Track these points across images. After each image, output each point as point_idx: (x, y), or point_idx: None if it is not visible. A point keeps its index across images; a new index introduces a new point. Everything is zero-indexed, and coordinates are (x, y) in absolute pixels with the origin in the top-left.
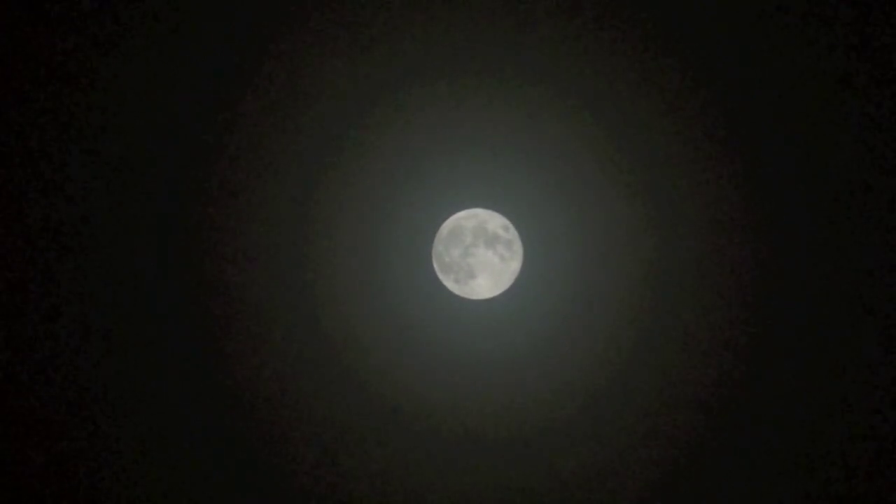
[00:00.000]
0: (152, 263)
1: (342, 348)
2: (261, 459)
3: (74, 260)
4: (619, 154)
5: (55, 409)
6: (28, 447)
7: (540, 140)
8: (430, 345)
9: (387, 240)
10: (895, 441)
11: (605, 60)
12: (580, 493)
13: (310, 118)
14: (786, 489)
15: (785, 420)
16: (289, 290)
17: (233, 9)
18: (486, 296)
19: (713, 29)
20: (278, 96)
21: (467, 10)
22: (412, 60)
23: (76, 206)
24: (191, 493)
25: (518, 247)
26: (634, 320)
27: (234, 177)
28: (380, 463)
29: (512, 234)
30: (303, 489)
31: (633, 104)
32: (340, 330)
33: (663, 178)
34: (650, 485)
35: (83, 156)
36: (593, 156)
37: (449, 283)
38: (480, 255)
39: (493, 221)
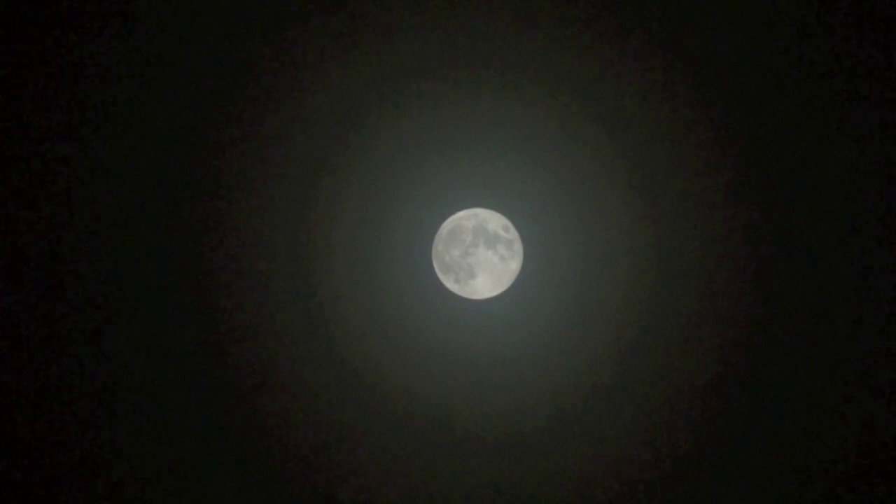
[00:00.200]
0: (152, 263)
1: (342, 348)
2: (260, 459)
3: (74, 260)
4: (619, 154)
5: (55, 409)
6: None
7: (540, 140)
8: (430, 344)
9: (387, 240)
10: (895, 441)
11: (606, 61)
12: (580, 493)
13: (310, 118)
14: (785, 489)
15: (785, 420)
16: (289, 290)
17: (233, 9)
18: (486, 296)
19: (714, 29)
20: (278, 96)
21: (468, 10)
22: (412, 60)
23: (76, 206)
24: (191, 494)
25: (518, 247)
26: (634, 320)
27: (234, 177)
28: (379, 462)
29: (512, 234)
30: (301, 488)
31: (633, 105)
32: (341, 329)
33: (663, 179)
34: (650, 484)
35: (83, 155)
36: (593, 156)
37: (449, 283)
38: (480, 255)
39: (494, 221)
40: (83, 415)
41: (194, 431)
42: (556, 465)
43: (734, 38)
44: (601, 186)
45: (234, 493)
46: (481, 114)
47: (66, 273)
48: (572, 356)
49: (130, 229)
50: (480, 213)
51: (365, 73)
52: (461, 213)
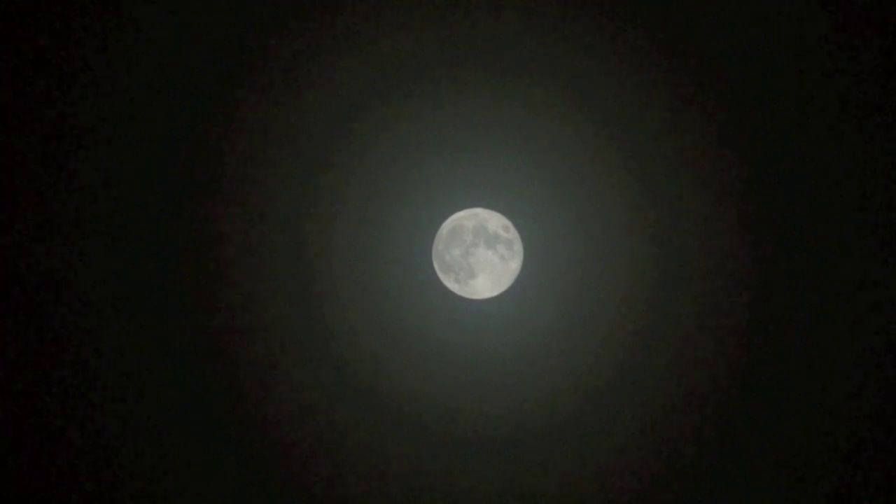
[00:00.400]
0: (152, 263)
1: (342, 347)
2: (259, 459)
3: (73, 261)
4: (619, 154)
5: (53, 409)
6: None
7: (540, 140)
8: (431, 344)
9: (387, 240)
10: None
11: (607, 61)
12: (580, 493)
13: (310, 118)
14: (785, 489)
15: (785, 420)
16: (289, 290)
17: (233, 9)
18: (486, 295)
19: (715, 29)
20: (278, 96)
21: (468, 10)
22: (412, 60)
23: (75, 206)
24: (190, 494)
25: (518, 247)
26: (634, 320)
27: (234, 177)
28: (378, 462)
29: (512, 233)
30: (300, 488)
31: (634, 105)
32: (341, 329)
33: (664, 179)
34: (650, 484)
35: (83, 154)
36: (594, 156)
37: (449, 283)
38: (481, 255)
39: (494, 221)
40: (81, 414)
41: (194, 431)
42: (555, 465)
43: (734, 37)
44: (601, 186)
45: (233, 494)
46: (481, 114)
47: (65, 272)
48: (572, 356)
49: (130, 229)
50: (480, 213)
51: (365, 72)
52: (461, 213)
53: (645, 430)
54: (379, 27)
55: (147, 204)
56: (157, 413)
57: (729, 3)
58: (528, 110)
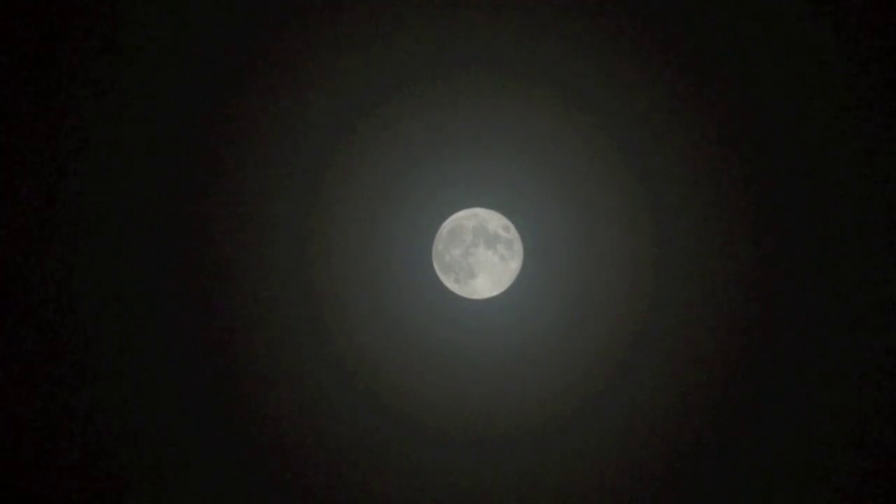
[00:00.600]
0: (152, 263)
1: (342, 347)
2: (258, 459)
3: (72, 261)
4: (619, 154)
5: (52, 408)
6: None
7: (540, 140)
8: (431, 344)
9: (387, 240)
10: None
11: (607, 60)
12: (580, 493)
13: (310, 118)
14: (786, 490)
15: (785, 421)
16: (289, 290)
17: (233, 9)
18: (486, 295)
19: (715, 29)
20: (278, 96)
21: (468, 10)
22: (412, 60)
23: (74, 205)
24: (190, 494)
25: (518, 247)
26: (634, 320)
27: (234, 177)
28: (378, 461)
29: (512, 233)
30: (299, 489)
31: (634, 105)
32: (340, 329)
33: (664, 179)
34: (650, 485)
35: (83, 154)
36: (594, 156)
37: (449, 283)
38: (480, 255)
39: (494, 221)
40: (78, 413)
41: (192, 431)
42: (555, 465)
43: (735, 37)
44: (601, 187)
45: (233, 494)
46: (481, 114)
47: (64, 272)
48: (572, 356)
49: (129, 229)
50: (480, 213)
51: (365, 72)
52: (461, 213)
53: (645, 430)
54: (379, 27)
55: (146, 204)
56: (156, 414)
57: (730, 3)
58: (529, 110)
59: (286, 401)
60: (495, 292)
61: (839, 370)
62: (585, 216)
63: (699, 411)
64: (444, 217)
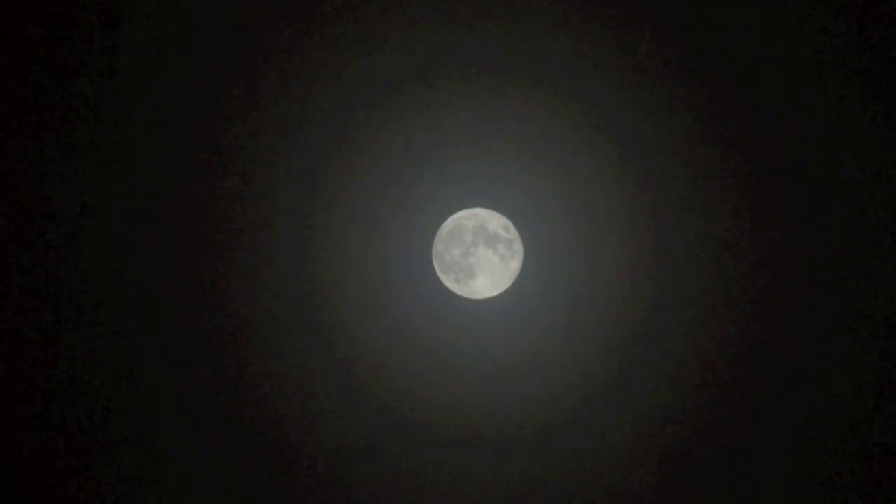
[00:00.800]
0: (148, 266)
1: (341, 347)
2: (256, 460)
3: (71, 261)
4: (619, 154)
5: (50, 407)
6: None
7: (540, 140)
8: (430, 344)
9: (387, 240)
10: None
11: (607, 59)
12: (580, 494)
13: (309, 118)
14: (786, 491)
15: (787, 422)
16: (288, 290)
17: (232, 8)
18: (487, 295)
19: (716, 29)
20: (277, 96)
21: (468, 9)
22: (412, 60)
23: (73, 204)
24: (189, 494)
25: (518, 246)
26: (635, 320)
27: (233, 176)
28: (376, 463)
29: (512, 233)
30: (298, 490)
31: (634, 104)
32: (340, 329)
33: (665, 178)
34: (650, 486)
35: (82, 154)
36: (594, 155)
37: (449, 283)
38: (481, 255)
39: (494, 221)
40: (78, 413)
41: (192, 432)
42: (555, 465)
43: (736, 37)
44: (602, 186)
45: (232, 494)
46: (481, 114)
47: (62, 271)
48: (572, 356)
49: (128, 229)
50: (480, 213)
51: (365, 72)
52: (461, 213)
53: (646, 430)
54: (379, 27)
55: (145, 205)
56: (155, 414)
57: (730, 3)
58: (529, 110)
59: (285, 401)
60: (495, 292)
61: (840, 370)
62: (585, 216)
63: (700, 411)
64: (444, 217)
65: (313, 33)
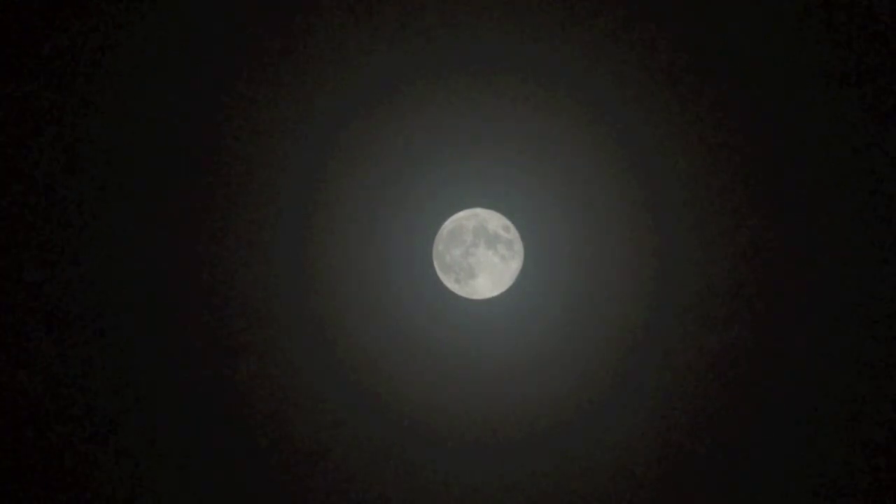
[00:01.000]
0: (149, 264)
1: (341, 347)
2: (255, 460)
3: (70, 261)
4: (620, 154)
5: (49, 406)
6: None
7: (541, 140)
8: (430, 344)
9: (387, 240)
10: None
11: (607, 59)
12: (580, 494)
13: (309, 118)
14: (786, 491)
15: (787, 422)
16: (288, 290)
17: (232, 8)
18: (487, 296)
19: (717, 26)
20: (276, 96)
21: (468, 9)
22: (412, 60)
23: (72, 204)
24: (188, 494)
25: (519, 247)
26: (636, 320)
27: (233, 176)
28: (375, 464)
29: (513, 233)
30: (300, 489)
31: (634, 104)
32: (340, 329)
33: (665, 179)
34: (650, 487)
35: (82, 153)
36: (595, 156)
37: (449, 283)
38: (481, 255)
39: (494, 221)
40: (78, 414)
41: (191, 432)
42: (556, 466)
43: (737, 37)
44: (602, 186)
45: (232, 494)
46: (482, 114)
47: (62, 272)
48: (573, 356)
49: (128, 229)
50: (480, 213)
51: (365, 72)
52: (461, 213)
53: (647, 430)
54: (379, 26)
55: (144, 205)
56: (155, 415)
57: (731, 3)
58: (529, 110)
59: (285, 401)
60: (496, 293)
61: (841, 371)
62: (585, 216)
63: (701, 411)
64: (444, 217)
65: (313, 33)
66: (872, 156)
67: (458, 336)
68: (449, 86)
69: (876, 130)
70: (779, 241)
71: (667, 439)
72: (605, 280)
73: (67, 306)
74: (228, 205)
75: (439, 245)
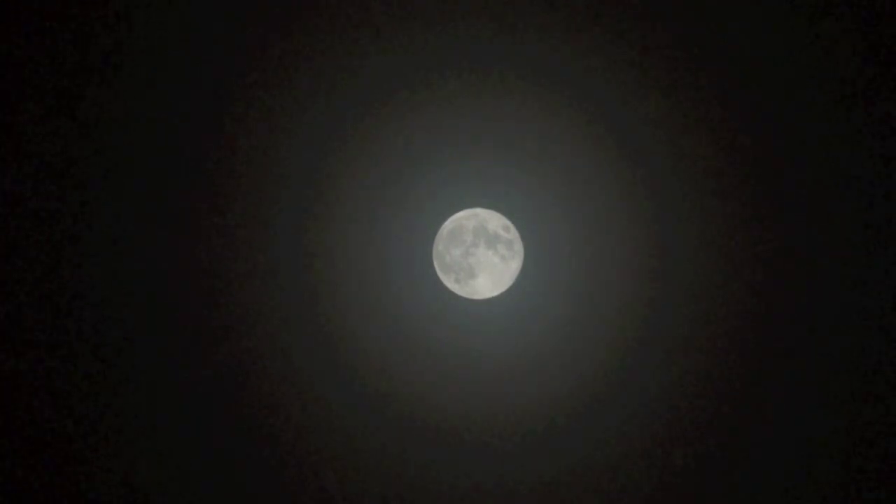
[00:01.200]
0: (149, 264)
1: (342, 348)
2: (255, 460)
3: (69, 259)
4: (620, 154)
5: (48, 406)
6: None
7: (540, 140)
8: (430, 344)
9: (387, 240)
10: None
11: (607, 59)
12: (579, 494)
13: (310, 118)
14: (787, 491)
15: (787, 422)
16: (289, 290)
17: (232, 7)
18: (487, 296)
19: (716, 25)
20: (277, 96)
21: (469, 9)
22: (412, 60)
23: (73, 204)
24: (188, 495)
25: (519, 247)
26: (636, 320)
27: (233, 176)
28: (376, 464)
29: (513, 233)
30: (299, 489)
31: (635, 104)
32: (341, 329)
33: (665, 179)
34: (651, 487)
35: (81, 153)
36: (594, 155)
37: (449, 283)
38: (481, 255)
39: (494, 221)
40: (77, 414)
41: (192, 432)
42: (556, 466)
43: (738, 37)
44: (602, 186)
45: (232, 495)
46: (481, 114)
47: (62, 271)
48: (573, 356)
49: (128, 230)
50: (480, 213)
51: (366, 72)
52: (461, 214)
53: (647, 431)
54: (380, 26)
55: (144, 205)
56: (155, 415)
57: (731, 3)
58: (529, 110)
59: (285, 401)
60: (496, 292)
61: (841, 371)
62: (585, 216)
63: (700, 411)
64: (444, 217)
65: (313, 33)
66: (873, 156)
67: (458, 336)
68: (449, 86)
69: (876, 131)
70: (779, 242)
71: (666, 438)
72: (604, 280)
73: (68, 306)
74: (228, 205)
75: (439, 245)
